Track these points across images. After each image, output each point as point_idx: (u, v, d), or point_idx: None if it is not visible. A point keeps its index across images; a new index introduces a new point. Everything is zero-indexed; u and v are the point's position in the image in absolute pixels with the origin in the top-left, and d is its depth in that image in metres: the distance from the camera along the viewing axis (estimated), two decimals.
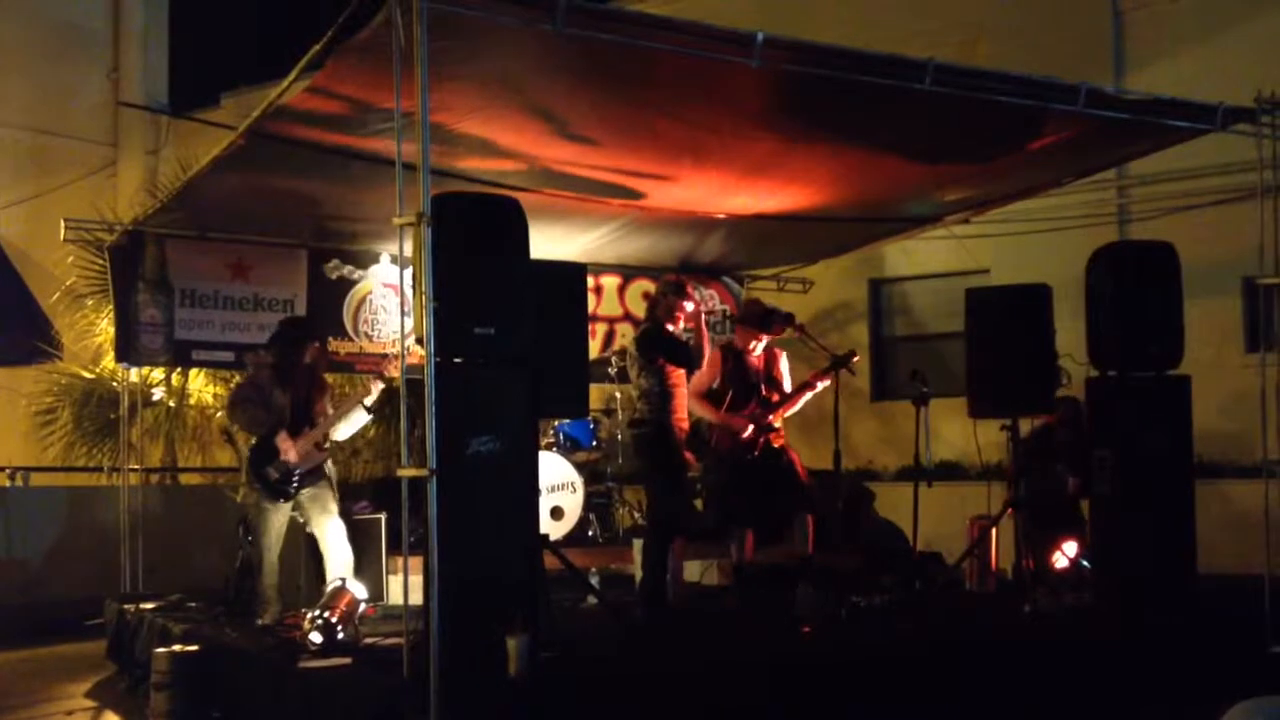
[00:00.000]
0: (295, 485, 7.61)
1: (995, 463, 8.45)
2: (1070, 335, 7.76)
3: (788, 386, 8.24)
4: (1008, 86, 6.61)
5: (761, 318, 8.11)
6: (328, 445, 7.78)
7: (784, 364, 8.32)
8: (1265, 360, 7.07)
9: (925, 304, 13.28)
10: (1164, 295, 7.44)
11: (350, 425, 7.91)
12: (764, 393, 8.09)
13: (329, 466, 7.84)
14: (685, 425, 7.89)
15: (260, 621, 7.49)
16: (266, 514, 7.63)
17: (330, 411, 7.80)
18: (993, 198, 9.31)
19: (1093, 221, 10.61)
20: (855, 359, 8.11)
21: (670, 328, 7.89)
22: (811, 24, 10.98)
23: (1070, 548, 8.32)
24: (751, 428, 7.99)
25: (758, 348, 8.15)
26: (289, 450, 7.55)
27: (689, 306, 7.96)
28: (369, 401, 7.79)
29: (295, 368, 7.76)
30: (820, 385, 8.02)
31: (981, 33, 12.02)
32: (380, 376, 8.03)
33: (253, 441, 7.75)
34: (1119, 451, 7.37)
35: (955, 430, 9.67)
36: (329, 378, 8.44)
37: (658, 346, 7.77)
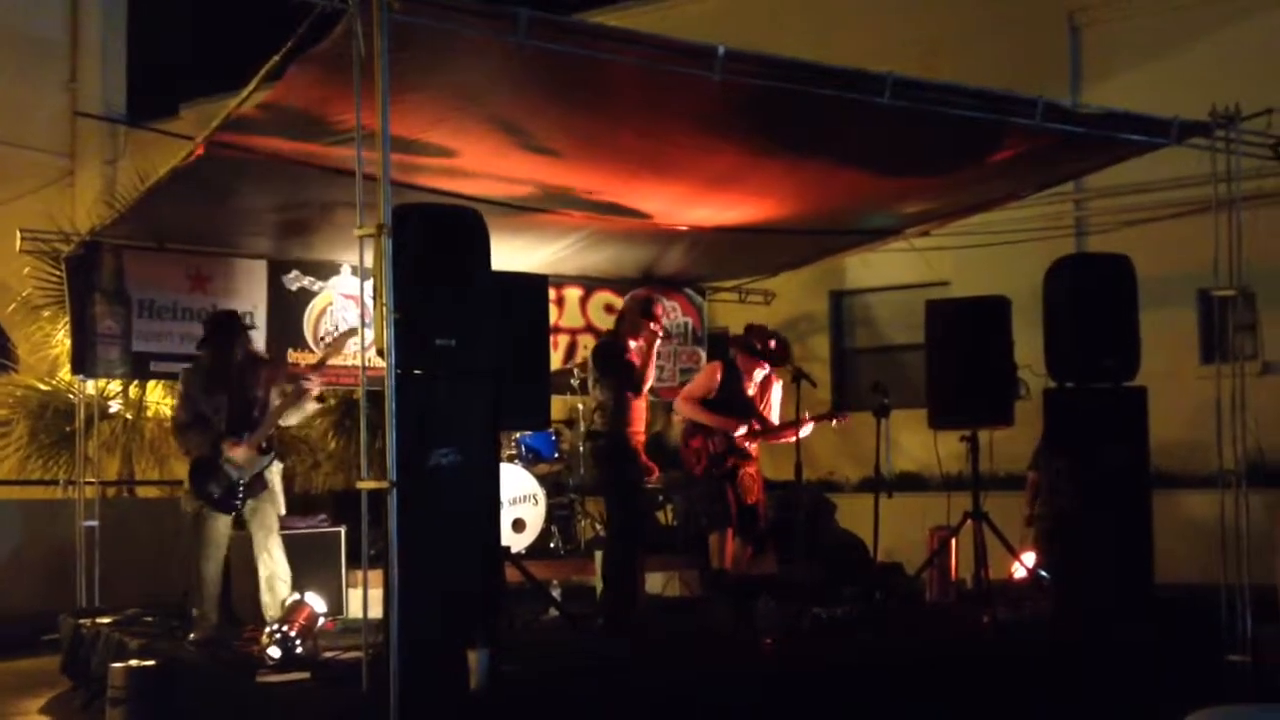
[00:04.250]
0: (240, 498, 7.44)
1: (955, 473, 8.50)
2: (1029, 346, 7.81)
3: (775, 417, 8.37)
4: (966, 100, 6.67)
5: (750, 348, 8.30)
6: (271, 449, 7.58)
7: (776, 394, 8.45)
8: (1220, 371, 7.14)
9: (886, 316, 13.35)
10: (1121, 307, 7.51)
11: (299, 414, 7.79)
12: (750, 420, 8.23)
13: (276, 471, 7.68)
14: (641, 437, 7.92)
15: (193, 636, 7.33)
16: (206, 524, 7.43)
17: (276, 402, 7.55)
18: (952, 210, 9.37)
19: (1051, 234, 10.71)
20: (847, 418, 8.56)
21: (633, 343, 7.92)
22: (773, 37, 11.03)
23: (1029, 558, 8.37)
24: (744, 430, 8.11)
25: (756, 375, 8.27)
26: (238, 455, 7.37)
27: (654, 328, 7.98)
28: (315, 391, 7.61)
29: (228, 366, 7.53)
30: (806, 429, 8.11)
31: (940, 46, 12.11)
32: (318, 365, 7.88)
33: (194, 456, 7.57)
34: (1077, 462, 7.43)
35: (916, 441, 9.73)
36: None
37: (611, 360, 7.80)
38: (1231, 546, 6.97)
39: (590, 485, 9.97)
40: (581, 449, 10.05)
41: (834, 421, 8.49)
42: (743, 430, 8.15)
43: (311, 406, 7.74)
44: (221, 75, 12.50)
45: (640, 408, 7.90)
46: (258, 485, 7.52)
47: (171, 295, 9.33)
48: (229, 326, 7.76)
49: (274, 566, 7.48)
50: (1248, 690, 6.65)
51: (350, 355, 9.61)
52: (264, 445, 7.52)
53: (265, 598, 7.40)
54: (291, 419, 7.82)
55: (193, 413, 7.51)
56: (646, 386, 7.95)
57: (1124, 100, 7.47)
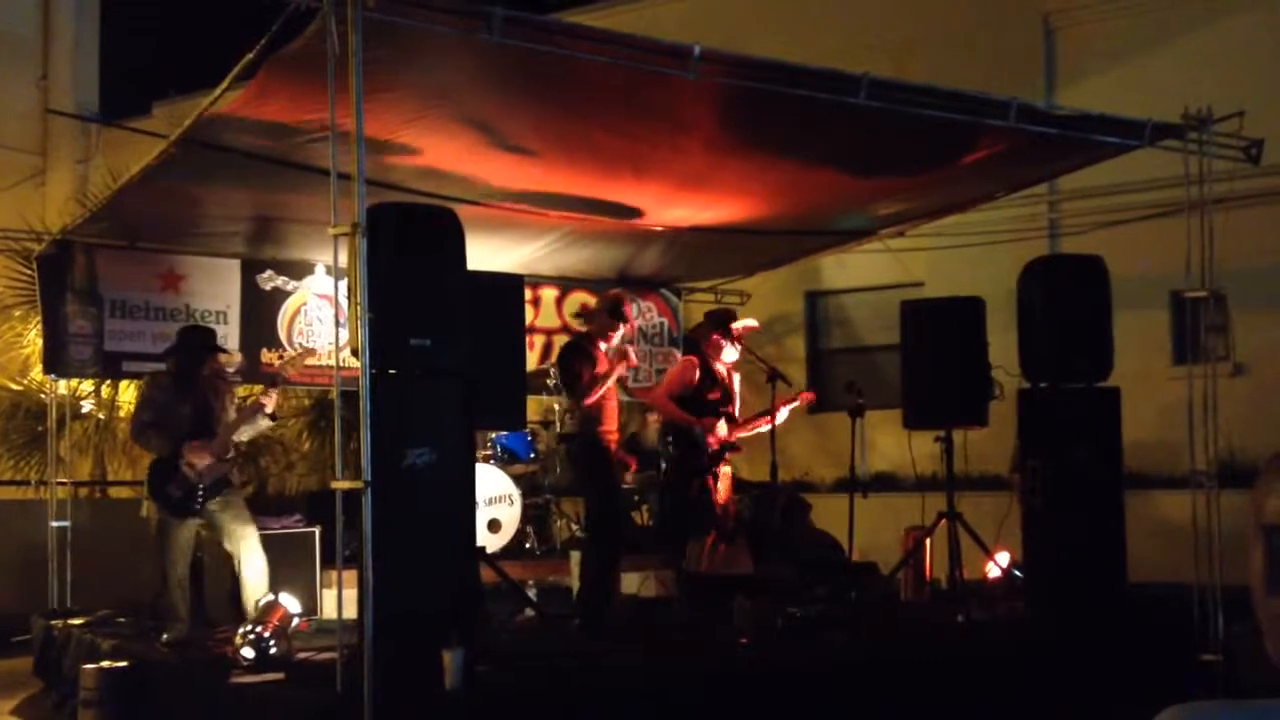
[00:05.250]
0: (201, 500, 7.42)
1: (930, 474, 8.52)
2: (1002, 347, 7.85)
3: (737, 406, 8.37)
4: (941, 101, 6.69)
5: (718, 322, 8.33)
6: (231, 455, 7.60)
7: (737, 384, 8.43)
8: (1193, 372, 7.19)
9: (861, 316, 13.39)
10: (1094, 308, 7.55)
11: (252, 430, 7.83)
12: (728, 408, 8.23)
13: (234, 477, 7.68)
14: (615, 437, 7.89)
15: (165, 637, 7.33)
16: (171, 529, 7.44)
17: (233, 417, 7.62)
18: (926, 211, 9.40)
19: (1024, 235, 10.76)
20: (812, 397, 8.57)
21: (604, 345, 7.88)
22: (749, 37, 11.04)
23: (1003, 557, 8.40)
24: (729, 432, 8.06)
25: (727, 355, 8.26)
26: (201, 458, 7.37)
27: (622, 329, 7.93)
28: (269, 409, 7.67)
29: (195, 378, 7.59)
30: (782, 414, 8.10)
31: (916, 47, 12.15)
32: (274, 382, 7.93)
33: (153, 459, 7.58)
34: (1050, 462, 7.46)
35: (890, 441, 9.75)
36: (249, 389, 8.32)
37: (566, 365, 7.77)
38: (1203, 547, 7.01)
39: (566, 486, 9.95)
40: (558, 449, 10.04)
41: (800, 401, 8.44)
42: (724, 430, 8.12)
43: (264, 423, 7.80)
44: (194, 73, 12.48)
45: (612, 409, 7.87)
46: (220, 486, 7.50)
47: (144, 295, 9.26)
48: (202, 343, 7.81)
49: (254, 564, 7.47)
50: (1219, 689, 6.68)
51: (324, 356, 9.64)
52: (223, 455, 7.52)
53: (245, 596, 7.38)
54: (244, 435, 7.84)
55: (154, 414, 7.51)
56: (598, 393, 7.69)
57: (1098, 102, 7.51)
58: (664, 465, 8.52)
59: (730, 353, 8.26)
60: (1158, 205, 9.31)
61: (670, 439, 8.28)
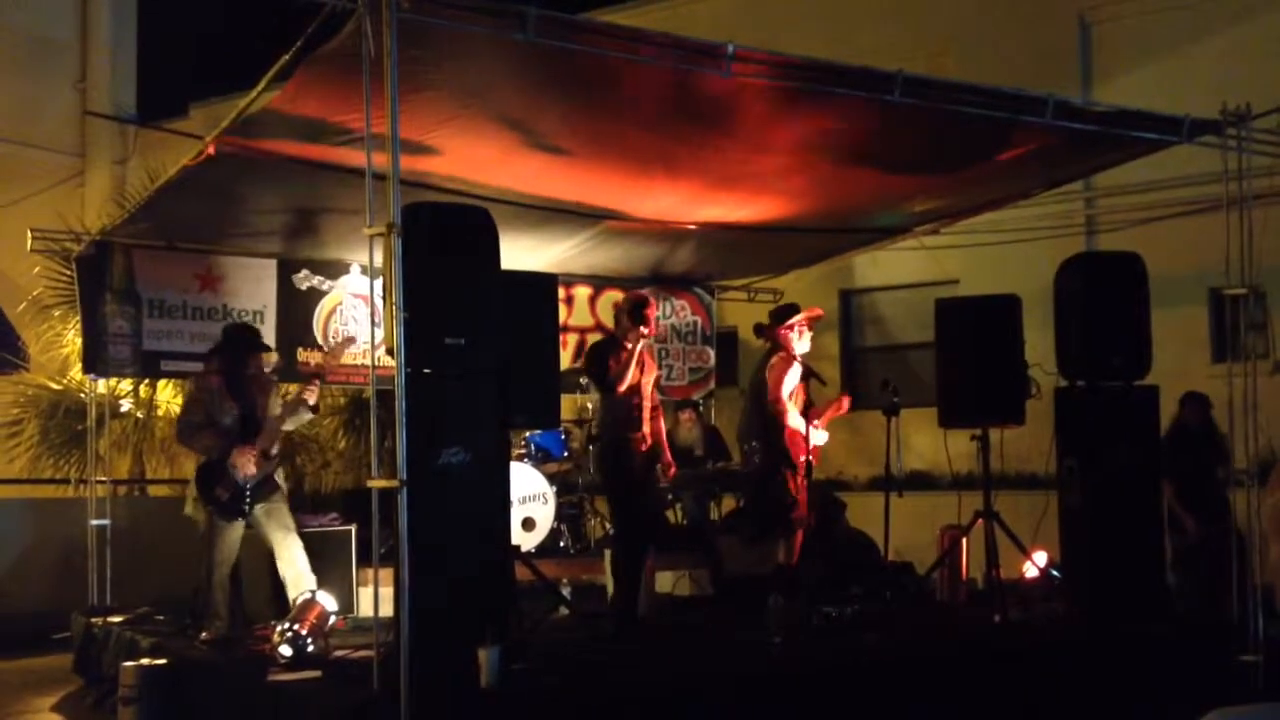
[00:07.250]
0: (248, 502, 7.48)
1: (966, 472, 8.47)
2: (1039, 345, 7.80)
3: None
4: (976, 98, 6.66)
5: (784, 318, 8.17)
6: (275, 453, 7.66)
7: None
8: (1232, 370, 7.12)
9: (895, 314, 13.34)
10: (1132, 305, 7.49)
11: (295, 422, 7.91)
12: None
13: (280, 477, 7.74)
14: (645, 437, 7.73)
15: (204, 636, 7.39)
16: (219, 530, 7.50)
17: (277, 413, 7.68)
18: (962, 208, 9.36)
19: (1061, 232, 10.69)
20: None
21: (629, 345, 7.82)
22: (782, 36, 11.02)
23: (1040, 557, 8.35)
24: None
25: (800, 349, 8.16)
26: (249, 464, 7.44)
27: (644, 330, 7.79)
28: (312, 401, 7.73)
29: (241, 376, 7.63)
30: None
31: (950, 45, 12.10)
32: (317, 377, 7.97)
33: (200, 460, 7.64)
34: (1087, 461, 7.41)
35: (926, 440, 9.71)
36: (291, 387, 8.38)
37: (592, 362, 7.75)
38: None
39: (597, 485, 9.95)
40: (590, 448, 10.05)
41: (842, 409, 8.33)
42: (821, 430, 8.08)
43: (306, 415, 7.88)
44: (231, 75, 12.57)
45: (644, 408, 7.76)
46: (266, 488, 7.57)
47: (181, 295, 9.35)
48: (247, 340, 7.90)
49: (297, 566, 7.53)
50: (1259, 689, 6.63)
51: (359, 355, 9.70)
52: (269, 451, 7.58)
53: (290, 596, 7.42)
54: (288, 426, 7.91)
55: (205, 415, 7.56)
56: (623, 386, 7.55)
57: (1134, 98, 7.47)
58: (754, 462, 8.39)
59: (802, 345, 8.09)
60: (1196, 202, 9.23)
61: (760, 439, 8.18)
